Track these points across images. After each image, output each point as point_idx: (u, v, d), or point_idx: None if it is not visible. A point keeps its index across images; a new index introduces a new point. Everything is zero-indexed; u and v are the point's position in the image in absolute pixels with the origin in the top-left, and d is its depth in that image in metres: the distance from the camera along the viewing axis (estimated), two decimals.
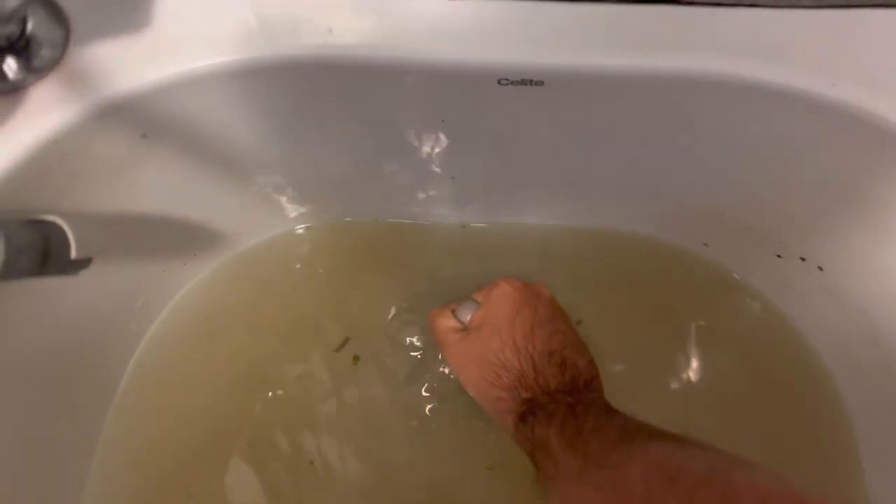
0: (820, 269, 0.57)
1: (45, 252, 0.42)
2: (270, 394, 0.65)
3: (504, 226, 0.71)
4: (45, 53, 0.44)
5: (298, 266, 0.71)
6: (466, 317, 0.51)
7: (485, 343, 0.47)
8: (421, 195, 0.64)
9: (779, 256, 0.60)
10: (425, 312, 0.61)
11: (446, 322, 0.52)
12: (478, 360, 0.47)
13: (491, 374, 0.46)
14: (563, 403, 0.42)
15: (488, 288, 0.51)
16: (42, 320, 0.50)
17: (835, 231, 0.54)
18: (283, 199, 0.65)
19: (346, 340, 0.67)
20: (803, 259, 0.58)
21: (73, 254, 0.44)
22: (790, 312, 0.64)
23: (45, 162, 0.44)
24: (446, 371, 0.65)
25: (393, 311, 0.69)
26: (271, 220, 0.69)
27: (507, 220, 0.70)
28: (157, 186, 0.53)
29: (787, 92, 0.43)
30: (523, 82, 0.45)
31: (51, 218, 0.44)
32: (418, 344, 0.67)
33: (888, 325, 0.55)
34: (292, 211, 0.69)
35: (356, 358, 0.66)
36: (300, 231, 0.73)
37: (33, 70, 0.44)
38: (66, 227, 0.44)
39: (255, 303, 0.69)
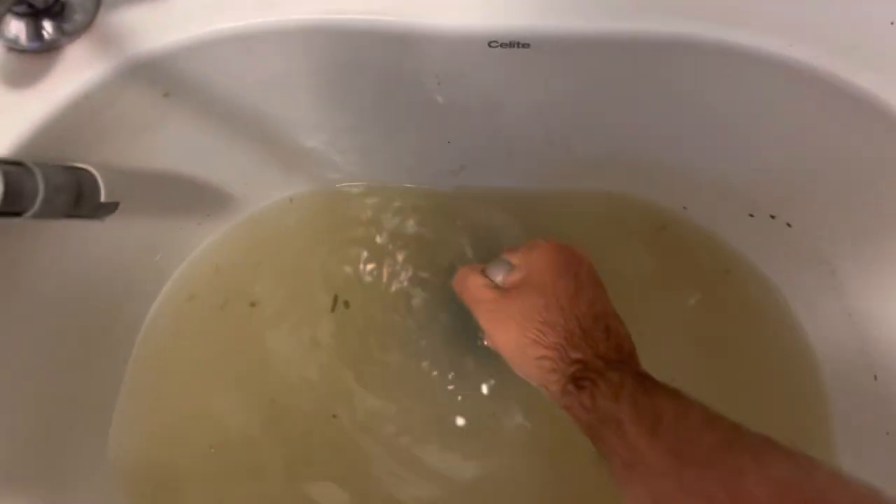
0: (788, 225, 0.62)
1: (78, 194, 0.47)
2: (283, 350, 0.70)
3: (493, 189, 0.75)
4: (77, 17, 0.49)
5: (301, 229, 0.76)
6: (499, 276, 0.49)
7: (526, 301, 0.45)
8: (419, 159, 0.69)
9: (751, 216, 0.65)
10: (427, 276, 0.67)
11: (478, 279, 0.50)
12: (518, 317, 0.45)
13: (533, 332, 0.44)
14: (629, 374, 0.39)
15: (526, 248, 0.50)
16: (69, 263, 0.55)
17: (801, 188, 0.58)
18: (293, 163, 0.70)
19: (336, 298, 0.72)
20: (773, 217, 0.63)
21: (103, 198, 0.49)
22: (763, 269, 0.69)
23: (77, 115, 0.48)
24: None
25: (386, 272, 0.74)
26: (280, 183, 0.73)
27: (497, 185, 0.75)
28: (176, 145, 0.58)
29: (749, 52, 0.48)
30: (511, 45, 0.50)
31: (83, 165, 0.49)
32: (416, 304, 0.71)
33: (851, 277, 0.59)
34: (302, 174, 0.73)
35: (346, 303, 0.71)
36: (304, 195, 0.77)
37: (67, 32, 0.49)
38: (96, 174, 0.49)
39: (263, 263, 0.74)
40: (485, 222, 0.76)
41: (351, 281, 0.73)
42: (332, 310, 0.72)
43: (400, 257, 0.74)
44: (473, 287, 0.50)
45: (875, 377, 0.57)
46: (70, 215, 0.48)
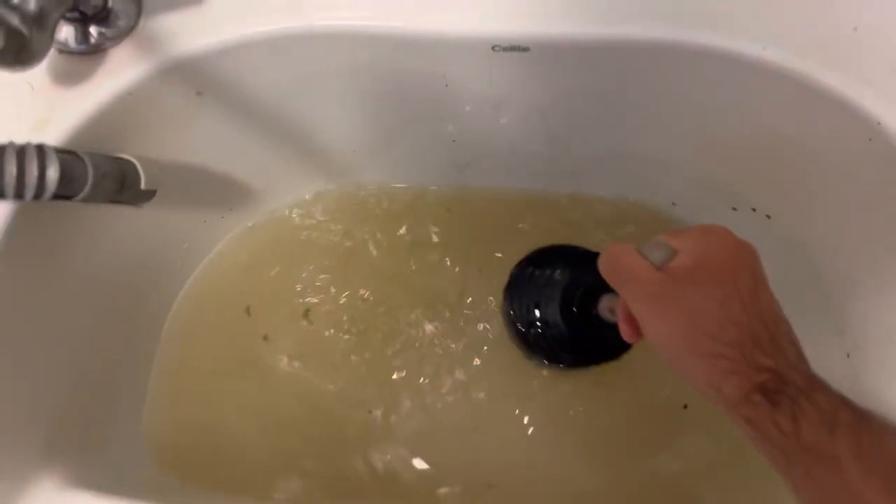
0: (768, 217, 0.67)
1: (121, 181, 0.53)
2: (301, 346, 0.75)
3: (491, 190, 0.81)
4: (121, 23, 0.54)
5: (319, 227, 0.81)
6: (659, 258, 0.43)
7: (700, 288, 0.39)
8: (427, 157, 0.74)
9: (734, 209, 0.70)
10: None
11: (637, 258, 0.43)
12: (691, 306, 0.39)
13: (710, 325, 0.38)
14: (841, 401, 0.34)
15: (698, 231, 0.44)
16: (107, 246, 0.61)
17: (778, 181, 0.63)
18: (312, 161, 0.75)
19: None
20: (754, 210, 0.68)
21: (143, 186, 0.54)
22: None
23: (120, 111, 0.54)
24: None
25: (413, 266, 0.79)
26: (300, 180, 0.79)
27: (495, 185, 0.80)
28: (205, 141, 0.63)
29: (727, 55, 0.53)
30: (512, 48, 0.55)
31: (125, 156, 0.54)
32: None
33: (828, 265, 0.64)
34: (319, 175, 0.79)
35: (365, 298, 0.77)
36: (322, 193, 0.82)
37: (111, 36, 0.54)
38: (137, 164, 0.54)
39: (281, 258, 0.79)
40: (493, 223, 0.81)
41: (366, 278, 0.79)
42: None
43: (416, 257, 0.80)
44: (632, 266, 0.43)
45: (848, 355, 0.62)
46: (113, 201, 0.53)
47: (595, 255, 0.68)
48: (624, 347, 0.73)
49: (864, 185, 0.56)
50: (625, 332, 0.46)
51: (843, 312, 0.64)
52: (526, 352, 0.75)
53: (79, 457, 0.59)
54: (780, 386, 0.35)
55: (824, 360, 0.64)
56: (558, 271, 0.74)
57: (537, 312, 0.73)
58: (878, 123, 0.51)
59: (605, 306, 0.64)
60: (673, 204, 0.76)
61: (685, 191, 0.73)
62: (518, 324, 0.74)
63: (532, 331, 0.74)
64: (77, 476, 0.56)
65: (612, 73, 0.58)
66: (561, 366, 0.74)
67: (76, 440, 0.60)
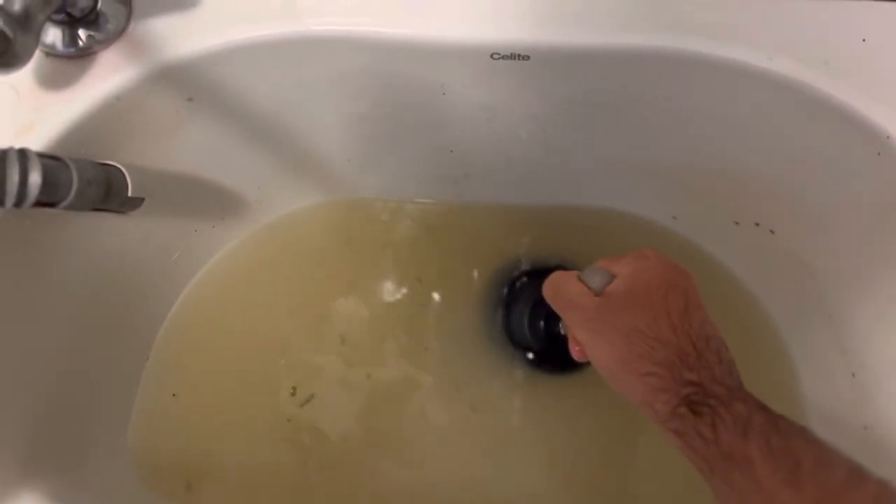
0: (772, 232, 0.65)
1: (107, 188, 0.51)
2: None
3: (487, 203, 0.80)
4: (110, 26, 0.53)
5: (315, 239, 0.80)
6: (597, 283, 0.46)
7: (634, 313, 0.42)
8: (424, 167, 0.73)
9: (736, 223, 0.68)
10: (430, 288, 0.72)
11: (576, 285, 0.46)
12: (624, 329, 0.42)
13: (641, 345, 0.41)
14: (755, 407, 0.37)
15: (632, 258, 0.46)
16: (93, 257, 0.59)
17: (783, 196, 0.62)
18: (306, 172, 0.74)
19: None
20: (757, 224, 0.66)
21: (130, 193, 0.53)
22: (745, 276, 0.72)
23: (107, 116, 0.52)
24: None
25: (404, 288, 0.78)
26: (296, 192, 0.77)
27: (492, 197, 0.79)
28: (196, 148, 0.61)
29: (732, 65, 0.52)
30: (512, 57, 0.54)
31: (112, 163, 0.52)
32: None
33: (832, 280, 0.63)
34: (313, 186, 0.77)
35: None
36: (316, 205, 0.81)
37: (100, 39, 0.53)
38: (124, 171, 0.52)
39: (277, 272, 0.78)
40: (491, 238, 0.80)
41: (361, 292, 0.77)
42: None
43: (410, 271, 0.78)
44: (571, 292, 0.46)
45: (853, 375, 0.60)
46: (99, 208, 0.52)
47: None
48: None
49: (871, 201, 0.54)
50: (574, 352, 0.48)
51: (848, 330, 0.62)
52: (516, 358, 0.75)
53: (60, 474, 0.57)
54: (702, 398, 0.38)
55: (830, 378, 0.63)
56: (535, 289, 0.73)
57: (524, 326, 0.74)
58: (888, 137, 0.49)
59: (563, 327, 0.65)
60: (674, 218, 0.75)
61: (686, 204, 0.72)
62: (513, 335, 0.75)
63: (520, 340, 0.75)
64: (58, 494, 0.54)
65: (613, 83, 0.57)
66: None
67: (58, 456, 0.58)
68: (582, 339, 0.45)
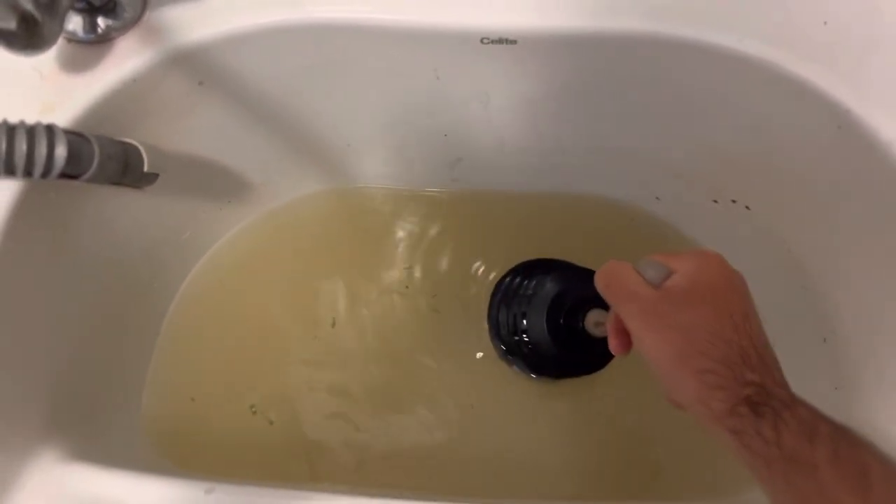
0: (747, 208, 0.69)
1: (125, 163, 0.55)
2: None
3: (481, 190, 0.84)
4: (127, 14, 0.57)
5: (316, 227, 0.84)
6: (655, 276, 0.45)
7: (695, 308, 0.41)
8: (419, 152, 0.77)
9: (715, 201, 0.72)
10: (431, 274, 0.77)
11: (633, 276, 0.45)
12: (685, 324, 0.41)
13: (702, 342, 0.40)
14: (822, 416, 0.36)
15: (693, 255, 0.45)
16: (110, 230, 0.63)
17: (757, 172, 0.66)
18: (309, 158, 0.78)
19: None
20: (734, 201, 0.70)
21: (146, 168, 0.57)
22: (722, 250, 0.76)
23: (124, 98, 0.56)
24: None
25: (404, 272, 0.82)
26: (299, 178, 0.81)
27: (485, 183, 0.83)
28: (206, 131, 0.66)
29: (704, 47, 0.56)
30: (500, 41, 0.58)
31: (129, 140, 0.56)
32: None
33: (807, 254, 0.67)
34: (315, 171, 0.81)
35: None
36: (318, 194, 0.85)
37: (118, 27, 0.57)
38: (141, 148, 0.56)
39: (281, 256, 0.82)
40: (489, 227, 0.84)
41: (364, 279, 0.82)
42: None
43: (406, 259, 0.82)
44: (628, 282, 0.45)
45: (824, 340, 0.64)
46: (117, 182, 0.56)
47: (581, 271, 0.71)
48: (605, 362, 0.75)
49: (834, 174, 0.58)
50: (613, 346, 0.48)
51: (821, 300, 0.66)
52: (508, 360, 0.77)
53: (79, 434, 0.61)
54: (764, 399, 0.37)
55: (802, 344, 0.67)
56: (547, 283, 0.75)
57: (525, 322, 0.75)
58: (847, 111, 0.53)
59: (591, 321, 0.67)
60: (657, 198, 0.79)
61: (668, 185, 0.76)
62: (503, 333, 0.77)
63: (517, 340, 0.76)
64: (76, 452, 0.58)
65: (596, 67, 0.60)
66: (542, 377, 0.76)
67: (77, 418, 0.61)
68: (638, 332, 0.43)
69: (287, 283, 0.81)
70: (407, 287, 0.81)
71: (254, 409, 0.74)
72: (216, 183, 0.73)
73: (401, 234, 0.84)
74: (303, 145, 0.76)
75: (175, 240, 0.73)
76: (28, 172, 0.46)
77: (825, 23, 0.55)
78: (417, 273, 0.82)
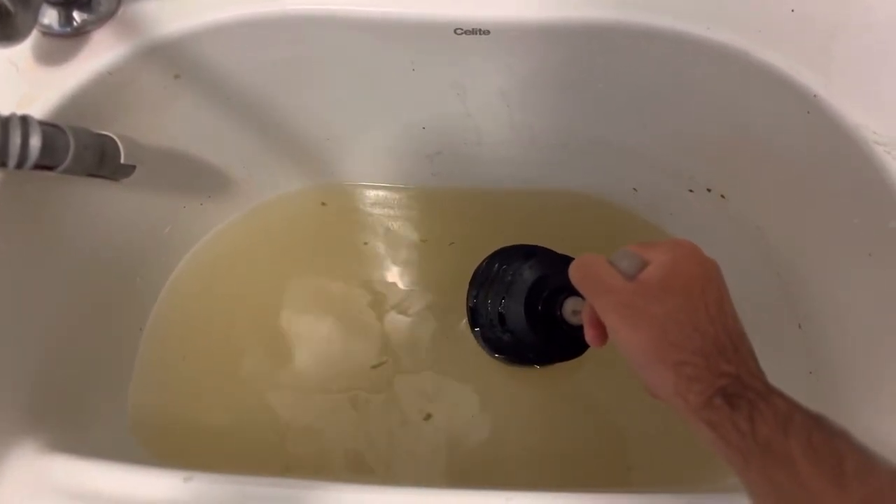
0: (722, 196, 0.70)
1: (101, 155, 0.55)
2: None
3: (455, 189, 0.85)
4: (102, 8, 0.58)
5: (298, 224, 0.85)
6: (629, 268, 0.44)
7: (670, 299, 0.41)
8: (397, 145, 0.77)
9: (691, 191, 0.73)
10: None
11: (607, 268, 0.44)
12: (660, 316, 0.40)
13: (677, 334, 0.40)
14: (797, 406, 0.36)
15: (667, 245, 0.45)
16: (90, 224, 0.63)
17: (731, 161, 0.66)
18: (290, 153, 0.78)
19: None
20: (709, 190, 0.71)
21: (122, 160, 0.57)
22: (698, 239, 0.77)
23: (100, 90, 0.57)
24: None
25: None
26: (280, 174, 0.82)
27: (463, 177, 0.84)
28: (183, 124, 0.66)
29: (674, 35, 0.56)
30: (473, 32, 0.59)
31: (106, 132, 0.57)
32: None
33: (782, 241, 0.67)
34: (296, 167, 0.82)
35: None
36: (298, 192, 0.86)
37: (93, 20, 0.57)
38: (117, 139, 0.57)
39: (265, 254, 0.83)
40: (460, 218, 0.85)
41: (345, 275, 0.82)
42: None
43: (390, 257, 0.83)
44: (603, 275, 0.44)
45: (799, 326, 0.65)
46: (93, 174, 0.56)
47: (560, 258, 0.71)
48: (583, 349, 0.75)
49: (805, 160, 0.59)
50: (590, 338, 0.47)
51: (795, 286, 0.67)
52: (486, 347, 0.77)
53: (62, 425, 0.61)
54: (739, 390, 0.37)
55: (778, 330, 0.68)
56: (525, 270, 0.75)
57: (500, 309, 0.75)
58: (815, 96, 0.54)
59: (569, 309, 0.67)
60: (634, 190, 0.79)
61: (645, 176, 0.76)
62: (481, 320, 0.77)
63: (494, 326, 0.76)
64: (58, 443, 0.58)
65: (569, 57, 0.61)
66: (517, 363, 0.77)
67: (60, 409, 0.61)
68: (612, 325, 0.43)
69: (270, 279, 0.81)
70: (387, 282, 0.81)
71: (240, 404, 0.74)
72: (197, 178, 0.74)
73: (381, 230, 0.84)
74: (282, 140, 0.76)
75: (157, 234, 0.74)
76: (2, 163, 0.47)
77: (792, 10, 0.56)
78: (398, 269, 0.82)
